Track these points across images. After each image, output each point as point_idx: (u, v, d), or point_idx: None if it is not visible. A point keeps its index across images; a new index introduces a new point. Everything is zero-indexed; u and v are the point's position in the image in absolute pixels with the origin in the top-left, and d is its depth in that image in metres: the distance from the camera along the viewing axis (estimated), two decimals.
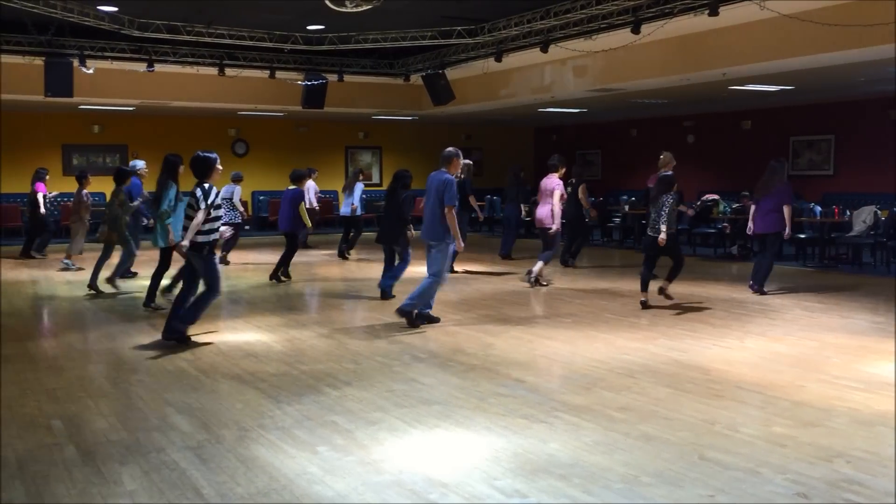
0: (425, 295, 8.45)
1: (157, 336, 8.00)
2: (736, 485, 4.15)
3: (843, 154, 17.63)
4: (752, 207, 10.60)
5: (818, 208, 14.41)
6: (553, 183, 11.23)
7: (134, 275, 12.09)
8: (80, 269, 13.16)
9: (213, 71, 16.49)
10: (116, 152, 20.90)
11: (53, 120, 19.86)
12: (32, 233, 15.44)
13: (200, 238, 7.47)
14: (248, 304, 10.05)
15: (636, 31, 11.82)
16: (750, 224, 10.63)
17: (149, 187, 11.94)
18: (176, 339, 7.61)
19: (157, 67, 15.96)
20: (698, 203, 15.33)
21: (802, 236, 14.03)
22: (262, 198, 21.92)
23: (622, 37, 12.54)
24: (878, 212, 13.25)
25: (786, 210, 10.20)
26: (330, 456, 4.60)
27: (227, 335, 8.07)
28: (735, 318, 8.91)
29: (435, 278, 8.43)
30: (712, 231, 15.41)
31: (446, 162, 8.53)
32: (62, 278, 12.48)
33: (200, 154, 7.60)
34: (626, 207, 17.25)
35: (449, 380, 6.29)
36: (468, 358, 7.03)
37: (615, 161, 23.24)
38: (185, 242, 7.39)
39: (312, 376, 6.41)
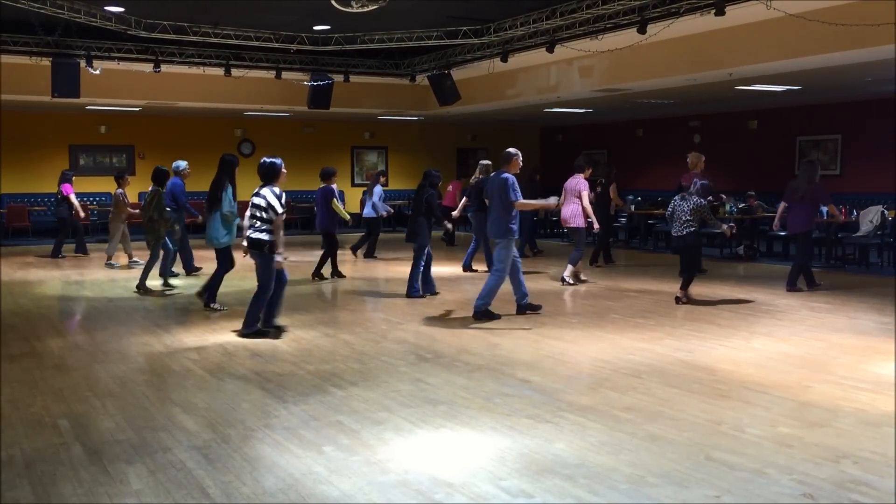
0: (493, 292, 8.85)
1: (164, 336, 8.03)
2: (742, 485, 4.14)
3: (849, 154, 17.58)
4: (781, 207, 10.99)
5: (824, 208, 14.36)
6: (580, 183, 11.44)
7: (175, 275, 12.18)
8: (129, 266, 13.53)
9: (220, 71, 16.52)
10: (123, 153, 20.98)
11: (60, 120, 19.92)
12: (63, 234, 15.39)
13: (264, 236, 7.74)
14: None
15: (642, 31, 11.81)
16: (777, 223, 11.38)
17: (190, 187, 12.39)
18: (255, 334, 7.96)
19: (164, 68, 16.00)
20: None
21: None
22: None
23: (628, 37, 12.52)
24: (885, 212, 13.21)
25: (830, 208, 11.04)
26: (336, 456, 4.61)
27: (233, 335, 8.08)
28: (741, 318, 8.90)
29: (498, 274, 8.81)
30: (718, 231, 15.36)
31: (505, 162, 9.00)
32: (68, 278, 12.52)
33: (267, 160, 7.94)
34: (633, 207, 17.22)
35: (454, 380, 6.29)
36: (474, 358, 7.03)
37: (621, 161, 23.17)
38: (281, 254, 7.78)
39: (318, 376, 6.42)
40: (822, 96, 16.84)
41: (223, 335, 8.07)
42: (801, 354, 7.13)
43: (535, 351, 7.31)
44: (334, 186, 12.16)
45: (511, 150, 9.07)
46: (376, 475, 4.32)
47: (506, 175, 8.80)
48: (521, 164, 9.10)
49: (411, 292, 10.40)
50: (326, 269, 12.28)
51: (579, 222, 11.42)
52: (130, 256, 13.87)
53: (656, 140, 22.21)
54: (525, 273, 12.50)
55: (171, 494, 4.06)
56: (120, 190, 13.54)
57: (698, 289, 10.38)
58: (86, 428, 5.14)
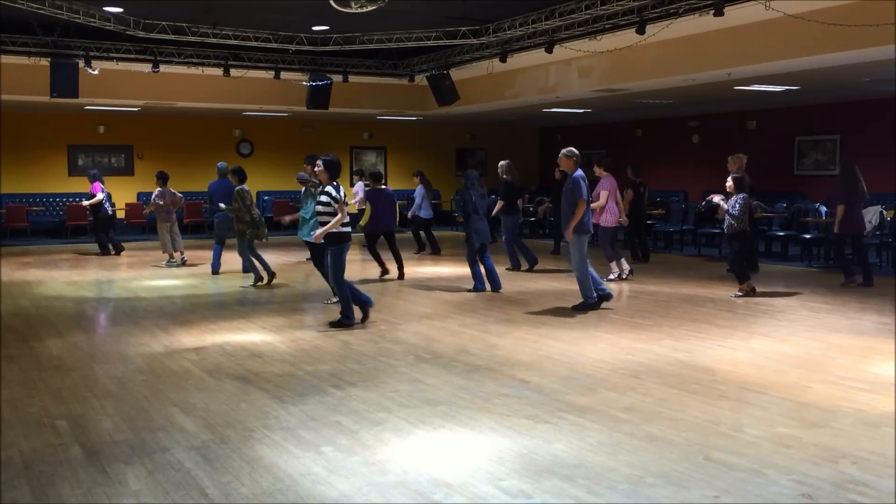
0: (585, 286, 9.34)
1: (162, 337, 8.03)
2: (741, 485, 4.14)
3: (848, 154, 17.57)
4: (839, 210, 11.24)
5: (823, 209, 14.37)
6: (613, 182, 11.83)
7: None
8: (182, 263, 13.87)
9: (218, 71, 16.52)
10: (122, 153, 20.96)
11: (59, 120, 19.91)
12: (99, 232, 15.66)
13: (344, 230, 8.30)
14: (252, 305, 10.06)
15: (641, 31, 11.81)
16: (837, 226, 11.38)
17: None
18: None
19: (162, 68, 15.99)
20: (703, 203, 15.32)
21: (808, 237, 14.01)
22: (266, 198, 21.95)
23: (627, 37, 12.53)
24: (884, 212, 13.21)
25: (838, 209, 10.96)
26: (334, 456, 4.61)
27: (231, 335, 8.08)
28: (740, 318, 8.90)
29: (577, 272, 9.28)
30: (717, 231, 15.38)
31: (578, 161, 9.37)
32: (66, 279, 12.51)
33: (334, 158, 8.45)
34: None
35: (453, 380, 6.30)
36: (472, 358, 7.03)
37: (620, 161, 23.15)
38: (318, 233, 8.29)
39: (317, 377, 6.42)
40: (821, 96, 16.84)
41: (222, 335, 8.07)
42: (800, 355, 7.13)
43: (534, 351, 7.31)
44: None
45: (573, 149, 9.46)
46: (375, 476, 4.32)
47: (576, 174, 9.19)
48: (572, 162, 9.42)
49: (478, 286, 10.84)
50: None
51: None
52: (172, 255, 13.94)
53: (655, 140, 22.21)
54: (511, 272, 12.59)
55: (170, 495, 4.06)
56: (159, 189, 13.69)
57: (696, 289, 10.38)
58: (84, 428, 5.14)
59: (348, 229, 8.36)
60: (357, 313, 8.63)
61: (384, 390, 6.00)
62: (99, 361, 7.01)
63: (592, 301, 9.35)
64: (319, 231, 8.30)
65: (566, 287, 11.34)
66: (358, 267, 13.46)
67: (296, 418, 5.33)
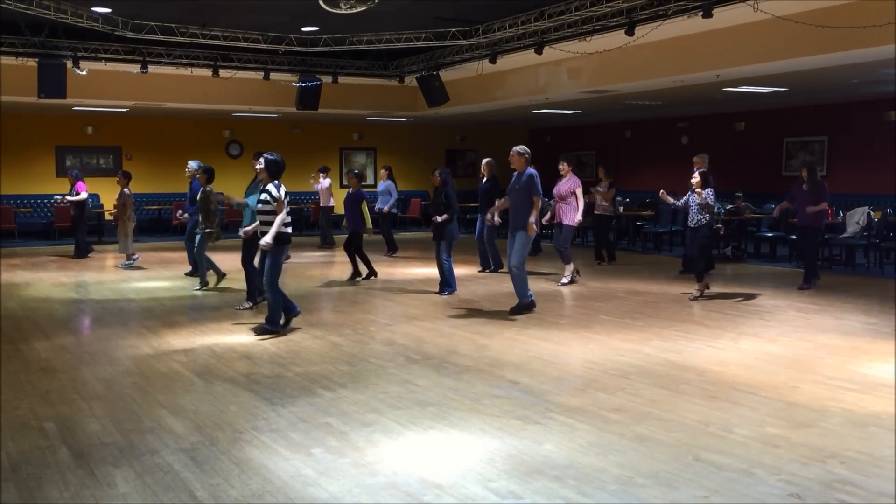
0: (520, 286, 9.27)
1: (151, 338, 8.00)
2: (730, 486, 4.16)
3: (836, 155, 17.69)
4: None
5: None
6: (578, 181, 11.84)
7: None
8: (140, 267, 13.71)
9: (207, 72, 16.47)
10: (110, 153, 20.87)
11: (47, 121, 19.80)
12: (80, 232, 15.54)
13: (285, 230, 8.14)
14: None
15: (630, 32, 11.84)
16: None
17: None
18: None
19: (151, 69, 15.93)
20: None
21: (795, 237, 14.06)
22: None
23: (616, 38, 12.56)
24: (871, 213, 13.29)
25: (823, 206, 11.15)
26: (324, 458, 4.60)
27: (221, 337, 8.05)
28: (729, 319, 8.93)
29: (516, 268, 9.23)
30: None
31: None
32: (54, 280, 12.44)
33: (277, 157, 8.28)
34: (621, 209, 17.24)
35: (443, 381, 6.29)
36: (462, 359, 7.03)
37: (610, 162, 23.21)
38: (269, 240, 7.95)
39: (307, 378, 6.41)
40: (809, 98, 16.94)
41: (211, 337, 8.04)
42: (789, 355, 7.16)
43: (524, 352, 7.31)
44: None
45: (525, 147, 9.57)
46: (365, 477, 4.31)
47: (531, 172, 9.26)
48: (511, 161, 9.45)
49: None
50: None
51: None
52: (128, 257, 13.87)
53: (644, 141, 22.28)
54: (502, 274, 12.57)
55: (159, 497, 4.04)
56: (128, 190, 13.62)
57: (687, 289, 10.42)
58: (72, 431, 5.11)
59: (289, 230, 8.22)
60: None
61: (374, 391, 5.99)
62: (87, 363, 6.98)
63: (529, 300, 9.31)
64: (267, 237, 7.96)
65: (556, 289, 11.36)
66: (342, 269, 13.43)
67: (285, 420, 5.31)
